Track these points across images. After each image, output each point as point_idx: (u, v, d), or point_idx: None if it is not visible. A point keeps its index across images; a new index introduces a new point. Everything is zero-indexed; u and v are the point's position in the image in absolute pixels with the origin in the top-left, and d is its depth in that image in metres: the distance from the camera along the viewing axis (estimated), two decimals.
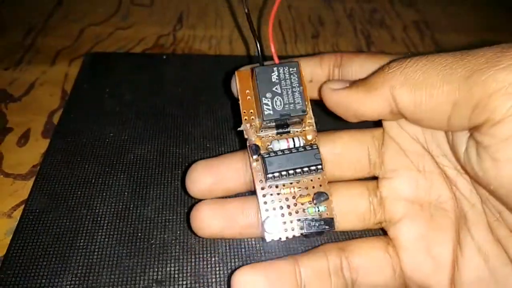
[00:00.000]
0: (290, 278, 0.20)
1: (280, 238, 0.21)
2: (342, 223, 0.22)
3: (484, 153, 0.16)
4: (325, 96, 0.21)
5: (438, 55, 0.18)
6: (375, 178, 0.23)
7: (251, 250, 0.23)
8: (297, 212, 0.21)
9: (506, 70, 0.15)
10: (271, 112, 0.20)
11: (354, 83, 0.20)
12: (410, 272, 0.20)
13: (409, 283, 0.21)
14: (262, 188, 0.21)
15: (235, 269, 0.20)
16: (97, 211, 0.25)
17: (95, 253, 0.23)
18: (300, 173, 0.21)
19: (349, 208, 0.22)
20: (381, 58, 0.21)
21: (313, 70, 0.23)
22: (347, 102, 0.20)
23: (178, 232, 0.24)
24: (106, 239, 0.23)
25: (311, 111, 0.22)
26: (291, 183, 0.21)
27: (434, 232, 0.20)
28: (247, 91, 0.22)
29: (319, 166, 0.21)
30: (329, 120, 0.24)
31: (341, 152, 0.23)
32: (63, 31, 0.41)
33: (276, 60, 0.22)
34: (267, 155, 0.21)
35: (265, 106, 0.20)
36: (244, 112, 0.22)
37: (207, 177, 0.22)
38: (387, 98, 0.19)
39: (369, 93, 0.19)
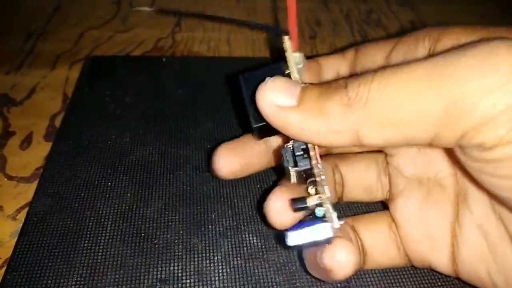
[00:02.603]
0: None
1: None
2: (350, 195, 0.23)
3: (480, 172, 0.15)
4: (267, 114, 0.17)
5: (405, 70, 0.15)
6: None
7: (253, 249, 0.24)
8: None
9: (490, 97, 0.13)
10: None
11: (305, 96, 0.16)
12: (409, 249, 0.21)
13: (411, 260, 0.21)
14: None
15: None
16: (100, 212, 0.25)
17: (100, 254, 0.23)
18: None
19: (357, 181, 0.23)
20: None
21: (339, 68, 0.23)
22: (298, 130, 0.16)
23: (181, 232, 0.24)
24: (110, 240, 0.24)
25: None
26: None
27: (429, 208, 0.20)
28: None
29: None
30: None
31: None
32: (62, 36, 0.41)
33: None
34: None
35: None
36: None
37: (235, 164, 0.23)
38: (349, 134, 0.16)
39: (326, 125, 0.16)
